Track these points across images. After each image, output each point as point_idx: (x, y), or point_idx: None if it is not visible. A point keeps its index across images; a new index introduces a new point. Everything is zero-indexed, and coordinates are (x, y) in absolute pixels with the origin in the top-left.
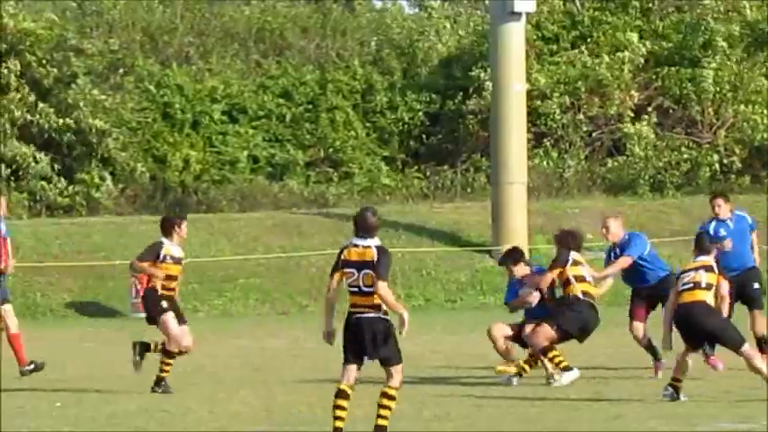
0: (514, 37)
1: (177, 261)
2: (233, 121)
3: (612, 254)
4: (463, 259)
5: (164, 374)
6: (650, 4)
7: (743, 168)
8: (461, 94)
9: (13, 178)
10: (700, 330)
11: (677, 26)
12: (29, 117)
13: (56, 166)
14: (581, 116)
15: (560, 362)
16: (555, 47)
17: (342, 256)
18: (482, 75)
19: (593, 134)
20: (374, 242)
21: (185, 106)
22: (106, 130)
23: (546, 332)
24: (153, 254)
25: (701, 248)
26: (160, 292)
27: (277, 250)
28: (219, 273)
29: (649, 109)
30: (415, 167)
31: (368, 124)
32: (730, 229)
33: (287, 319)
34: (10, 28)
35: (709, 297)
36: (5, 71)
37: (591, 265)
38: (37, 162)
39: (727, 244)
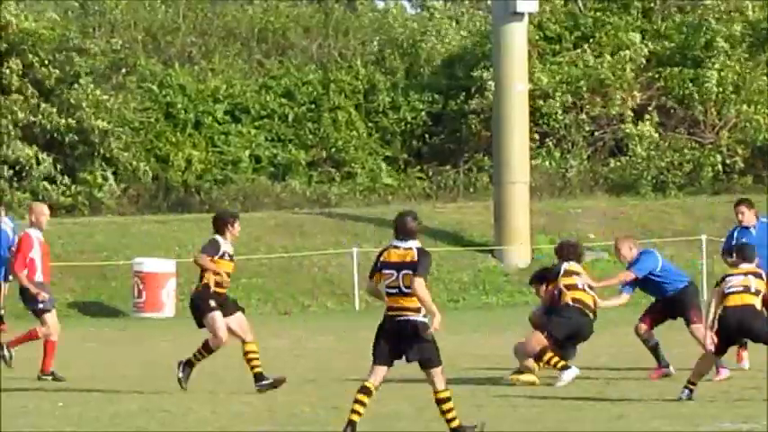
0: (517, 37)
1: (231, 258)
2: (235, 120)
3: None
4: (466, 259)
5: (195, 361)
6: (652, 5)
7: (745, 169)
8: (464, 94)
9: (15, 179)
10: (747, 332)
11: (679, 26)
12: (31, 118)
13: (58, 167)
14: (583, 116)
15: (557, 363)
16: (557, 47)
17: (381, 258)
18: (484, 75)
19: (596, 134)
20: (414, 244)
21: (188, 106)
22: (109, 130)
23: (538, 338)
24: (214, 249)
25: (744, 256)
26: (213, 289)
27: (279, 250)
28: None
29: (651, 109)
30: (418, 167)
31: (370, 124)
32: (752, 237)
33: (289, 319)
34: (12, 28)
35: (757, 302)
36: (7, 71)
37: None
38: (39, 163)
39: None
